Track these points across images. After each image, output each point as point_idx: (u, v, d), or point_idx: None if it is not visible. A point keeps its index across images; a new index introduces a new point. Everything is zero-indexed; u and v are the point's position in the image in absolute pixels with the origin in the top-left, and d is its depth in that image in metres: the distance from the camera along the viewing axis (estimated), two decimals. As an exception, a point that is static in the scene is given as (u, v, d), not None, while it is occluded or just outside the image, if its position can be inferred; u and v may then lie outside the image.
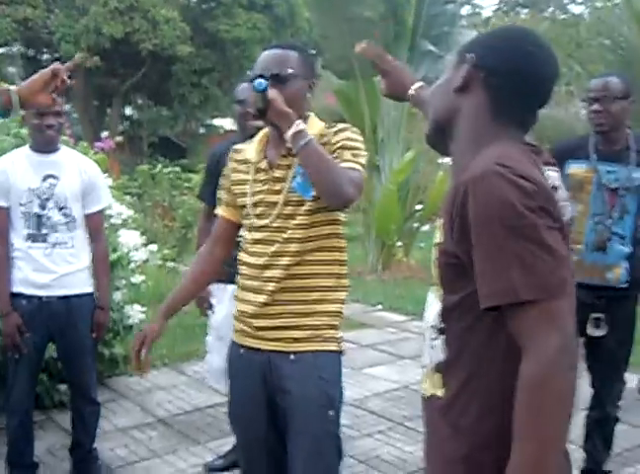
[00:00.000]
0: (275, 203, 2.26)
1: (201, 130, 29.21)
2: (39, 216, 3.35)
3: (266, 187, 2.30)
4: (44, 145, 3.40)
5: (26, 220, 3.36)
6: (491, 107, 1.44)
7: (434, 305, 1.53)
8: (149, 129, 26.10)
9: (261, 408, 2.33)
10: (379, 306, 8.04)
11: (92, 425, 3.69)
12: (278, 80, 2.19)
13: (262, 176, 2.31)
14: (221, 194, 2.49)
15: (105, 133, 20.99)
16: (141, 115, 27.28)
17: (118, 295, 4.71)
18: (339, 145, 2.23)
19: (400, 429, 4.45)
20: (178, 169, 11.32)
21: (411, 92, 2.24)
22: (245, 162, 2.38)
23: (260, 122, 2.38)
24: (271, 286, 2.24)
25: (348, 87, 9.49)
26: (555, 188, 1.54)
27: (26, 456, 3.56)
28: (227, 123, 26.00)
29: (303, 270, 2.24)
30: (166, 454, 4.03)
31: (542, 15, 23.19)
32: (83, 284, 3.51)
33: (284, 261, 2.24)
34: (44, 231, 3.36)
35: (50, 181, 3.38)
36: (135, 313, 4.87)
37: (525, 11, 26.27)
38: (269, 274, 2.25)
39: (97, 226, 3.58)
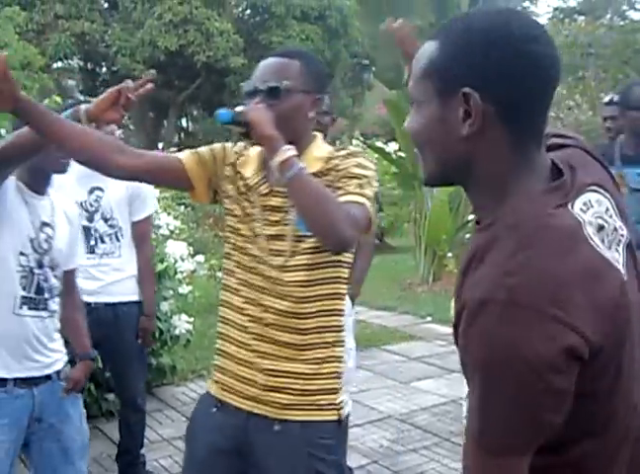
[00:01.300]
0: (273, 237, 1.90)
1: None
2: (87, 229, 3.43)
3: (264, 215, 1.93)
4: None
5: None
6: (510, 138, 1.12)
7: None
8: (204, 140, 26.40)
9: None
10: (429, 318, 7.94)
11: (138, 432, 3.77)
12: (270, 94, 1.84)
13: (259, 200, 1.94)
14: (205, 151, 2.05)
15: (160, 145, 21.34)
16: (196, 126, 27.65)
17: (165, 305, 4.75)
18: (346, 173, 1.87)
19: (446, 444, 4.37)
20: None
21: None
22: (242, 178, 2.00)
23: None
24: (255, 339, 1.89)
25: (397, 96, 9.43)
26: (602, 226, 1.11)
27: None
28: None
29: (298, 322, 1.86)
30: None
31: (600, 22, 22.77)
32: (130, 293, 3.59)
33: (275, 307, 1.87)
34: (92, 242, 3.45)
35: (97, 193, 3.48)
36: (182, 323, 4.91)
37: (582, 18, 25.85)
38: (258, 314, 1.90)
39: (143, 234, 3.63)
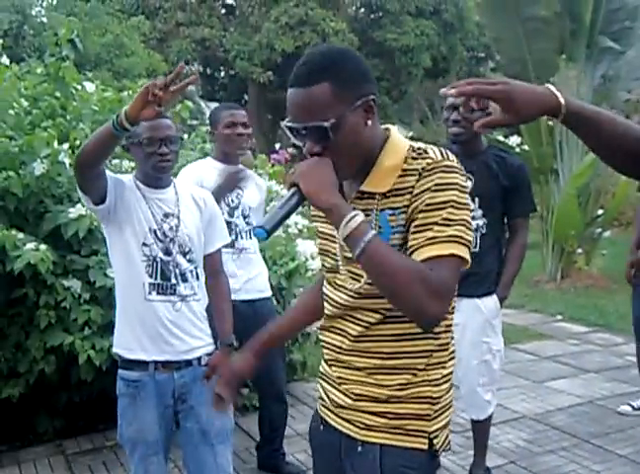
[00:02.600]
0: (350, 259, 1.66)
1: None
2: (227, 223, 3.54)
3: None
4: (235, 157, 3.58)
5: None
6: None
7: None
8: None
9: None
10: (559, 316, 7.71)
11: (281, 424, 3.88)
12: (317, 135, 1.56)
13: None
14: None
15: (277, 145, 21.71)
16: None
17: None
18: (424, 204, 1.54)
19: (586, 446, 4.23)
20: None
21: (565, 101, 1.45)
22: None
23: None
24: (344, 360, 1.75)
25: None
26: None
27: None
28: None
29: (379, 346, 1.67)
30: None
31: None
32: (265, 289, 3.76)
33: (354, 331, 1.71)
34: (232, 237, 3.56)
35: (238, 191, 3.60)
36: (313, 321, 4.96)
37: None
38: (336, 341, 1.76)
39: None
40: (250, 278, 3.64)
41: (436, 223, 1.52)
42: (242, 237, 3.60)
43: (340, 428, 1.77)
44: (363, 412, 1.70)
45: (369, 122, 1.59)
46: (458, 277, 1.54)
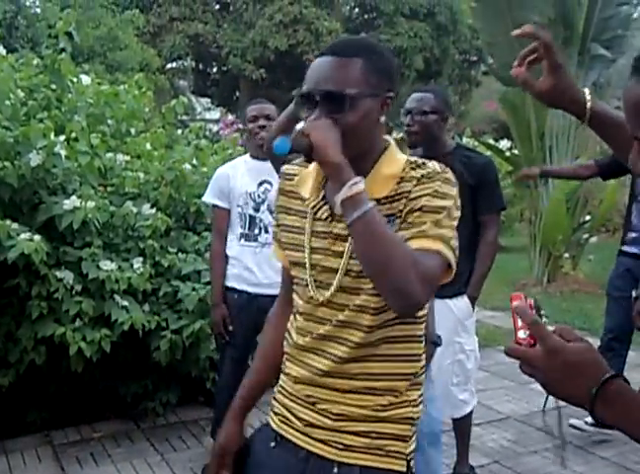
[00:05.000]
0: (334, 271, 1.59)
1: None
2: (252, 217, 3.67)
3: (324, 244, 1.62)
4: (260, 149, 3.59)
5: (240, 220, 3.69)
6: None
7: None
8: (310, 139, 26.66)
9: None
10: (545, 320, 7.76)
11: None
12: (332, 104, 1.51)
13: (319, 226, 1.63)
14: (275, 231, 1.81)
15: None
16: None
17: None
18: (419, 205, 1.51)
19: (569, 448, 4.29)
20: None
21: (591, 104, 1.51)
22: (299, 198, 1.70)
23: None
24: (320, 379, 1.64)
25: (513, 93, 9.25)
26: None
27: None
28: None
29: (364, 367, 1.60)
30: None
31: None
32: None
33: (339, 351, 1.60)
34: (256, 231, 3.63)
35: (265, 186, 3.67)
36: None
37: None
38: (316, 363, 1.64)
39: None
40: (271, 274, 3.63)
41: (428, 222, 1.50)
42: (267, 231, 3.62)
43: (309, 447, 1.65)
44: (344, 432, 1.61)
45: (382, 120, 1.58)
46: (440, 276, 1.51)
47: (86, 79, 4.94)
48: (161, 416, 4.60)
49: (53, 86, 4.67)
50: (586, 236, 9.96)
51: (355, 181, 1.44)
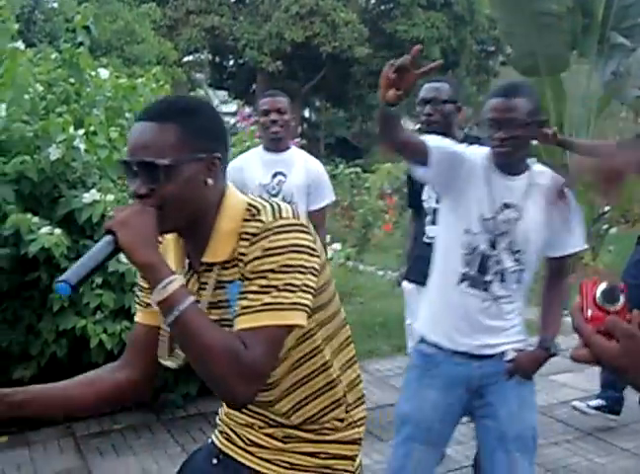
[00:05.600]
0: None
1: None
2: None
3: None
4: (272, 142, 3.60)
5: None
6: None
7: None
8: (326, 131, 26.68)
9: None
10: (564, 311, 7.73)
11: None
12: (148, 175, 1.40)
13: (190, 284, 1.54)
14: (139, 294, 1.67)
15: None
16: (319, 116, 27.95)
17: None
18: (249, 270, 1.41)
19: (590, 439, 4.26)
20: (359, 169, 11.50)
21: None
22: None
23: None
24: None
25: (532, 84, 9.18)
26: None
27: None
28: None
29: (294, 407, 1.60)
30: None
31: None
32: None
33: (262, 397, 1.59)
34: None
35: (279, 178, 3.63)
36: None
37: None
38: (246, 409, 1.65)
39: (319, 222, 3.69)
40: None
41: (251, 291, 1.39)
42: None
43: (252, 466, 1.63)
44: (294, 452, 1.61)
45: (210, 182, 1.43)
46: (279, 349, 1.42)
47: (104, 73, 4.96)
48: (181, 408, 4.62)
49: (72, 80, 4.70)
50: (605, 227, 9.88)
51: (169, 280, 1.33)
